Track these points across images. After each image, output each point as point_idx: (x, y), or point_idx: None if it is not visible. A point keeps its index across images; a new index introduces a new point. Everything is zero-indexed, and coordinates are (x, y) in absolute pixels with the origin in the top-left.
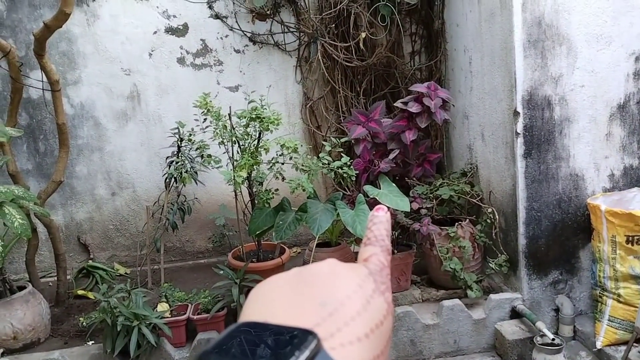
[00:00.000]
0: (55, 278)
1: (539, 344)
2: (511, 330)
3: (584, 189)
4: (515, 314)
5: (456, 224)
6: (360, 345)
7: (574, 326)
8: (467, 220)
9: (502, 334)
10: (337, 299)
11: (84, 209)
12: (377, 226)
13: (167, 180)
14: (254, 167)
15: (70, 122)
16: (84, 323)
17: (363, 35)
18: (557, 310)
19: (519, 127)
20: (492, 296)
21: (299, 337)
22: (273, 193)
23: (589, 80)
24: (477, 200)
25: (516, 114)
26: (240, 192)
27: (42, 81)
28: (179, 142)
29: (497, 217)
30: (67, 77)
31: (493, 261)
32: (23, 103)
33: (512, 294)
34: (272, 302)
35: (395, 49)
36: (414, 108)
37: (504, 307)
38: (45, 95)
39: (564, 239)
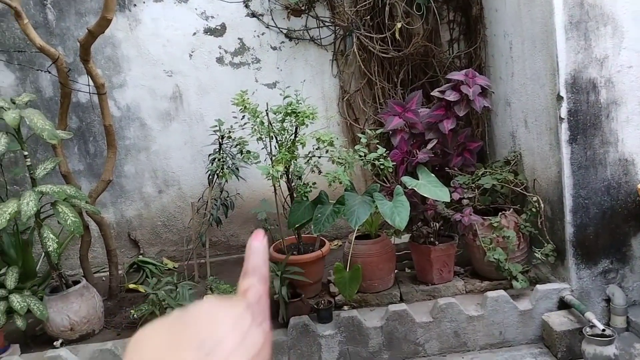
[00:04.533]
0: (108, 273)
1: (589, 335)
2: (559, 321)
3: (635, 174)
4: (563, 305)
5: (499, 213)
6: None
7: (627, 317)
8: (511, 209)
9: (549, 325)
10: (215, 337)
11: (133, 207)
12: (254, 256)
13: (210, 176)
14: (292, 161)
15: (118, 124)
16: (135, 315)
17: (399, 25)
18: (608, 300)
19: (563, 112)
20: (539, 287)
21: None
22: (311, 187)
23: (637, 60)
24: (521, 189)
25: (560, 98)
26: (280, 186)
27: (89, 85)
28: (220, 140)
29: (542, 205)
30: (113, 80)
31: (539, 251)
32: (73, 107)
33: (560, 284)
34: (151, 349)
35: (433, 38)
36: (451, 96)
37: (551, 298)
38: (92, 98)
39: (613, 226)
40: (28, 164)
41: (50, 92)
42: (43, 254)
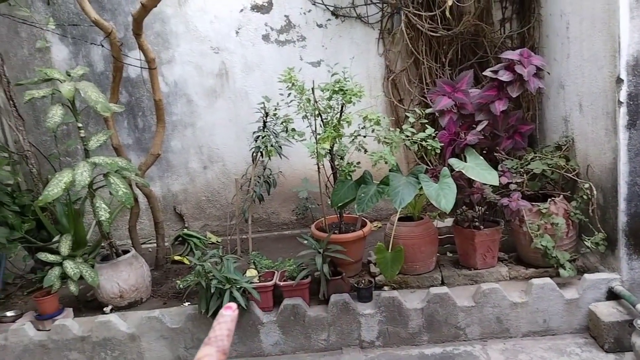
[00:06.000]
0: (155, 244)
1: None
2: (607, 311)
3: None
4: (612, 295)
5: (549, 199)
6: None
7: None
8: (561, 196)
9: (597, 315)
10: None
11: (179, 181)
12: (220, 325)
13: (254, 154)
14: (336, 140)
15: (165, 100)
16: (181, 285)
17: (450, 2)
18: None
19: (622, 96)
20: (587, 276)
21: None
22: (355, 166)
23: None
24: (572, 175)
25: (619, 81)
26: (323, 165)
27: (140, 60)
28: (265, 117)
29: (594, 192)
30: (162, 56)
31: (589, 239)
32: (123, 82)
33: (609, 274)
34: None
35: (484, 17)
36: (504, 76)
37: (599, 288)
38: (142, 73)
39: None
40: (82, 135)
41: (101, 66)
42: (93, 224)
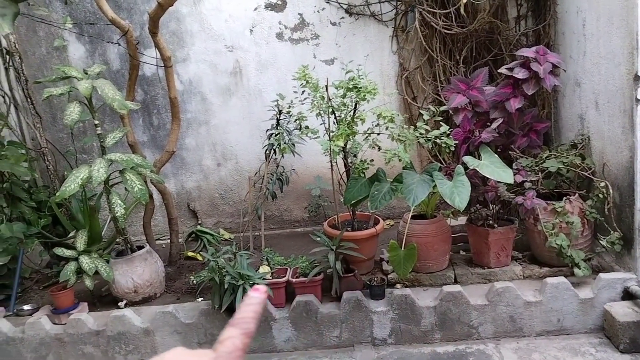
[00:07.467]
0: (168, 240)
1: None
2: (623, 312)
3: None
4: (628, 295)
5: (564, 198)
6: None
7: None
8: (577, 194)
9: (612, 315)
10: None
11: (193, 178)
12: (248, 307)
13: (267, 151)
14: (350, 137)
15: (180, 97)
16: (194, 281)
17: (464, 0)
18: None
19: None
20: (602, 275)
21: None
22: (368, 163)
23: None
24: (588, 174)
25: (637, 78)
26: (336, 163)
27: (156, 58)
28: (278, 115)
29: (610, 191)
30: (177, 54)
31: (604, 238)
32: (138, 80)
33: (625, 273)
34: None
35: (499, 14)
36: (520, 74)
37: (615, 288)
38: (158, 72)
39: None
40: (98, 132)
41: (117, 64)
42: (108, 219)
